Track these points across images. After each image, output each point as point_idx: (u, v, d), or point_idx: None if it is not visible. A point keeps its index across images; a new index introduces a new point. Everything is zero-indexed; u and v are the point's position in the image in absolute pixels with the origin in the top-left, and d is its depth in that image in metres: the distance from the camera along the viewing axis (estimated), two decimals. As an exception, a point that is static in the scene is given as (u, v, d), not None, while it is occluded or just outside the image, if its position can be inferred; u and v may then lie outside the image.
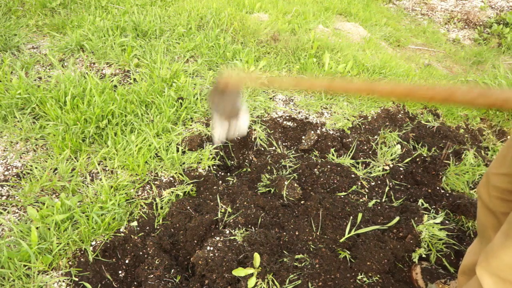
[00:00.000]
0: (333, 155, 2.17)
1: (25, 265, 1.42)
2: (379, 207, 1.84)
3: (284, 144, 2.28)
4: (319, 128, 2.36)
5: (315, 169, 2.00)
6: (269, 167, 2.00)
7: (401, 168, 2.13)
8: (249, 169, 2.04)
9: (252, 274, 1.41)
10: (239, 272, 1.41)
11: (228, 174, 2.05)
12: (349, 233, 1.61)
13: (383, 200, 1.91)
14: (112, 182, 1.79)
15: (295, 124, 2.39)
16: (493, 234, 1.16)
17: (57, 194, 1.74)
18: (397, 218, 1.68)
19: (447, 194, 1.94)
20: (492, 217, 1.18)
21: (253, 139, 2.22)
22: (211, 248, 1.50)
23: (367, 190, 1.95)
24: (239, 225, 1.64)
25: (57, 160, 1.86)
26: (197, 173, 1.91)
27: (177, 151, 2.01)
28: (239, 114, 1.43)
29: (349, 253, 1.57)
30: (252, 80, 1.24)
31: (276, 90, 2.66)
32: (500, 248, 0.95)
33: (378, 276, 1.53)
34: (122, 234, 1.61)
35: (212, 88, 1.37)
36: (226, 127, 1.41)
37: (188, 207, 1.71)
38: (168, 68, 2.56)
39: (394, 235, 1.66)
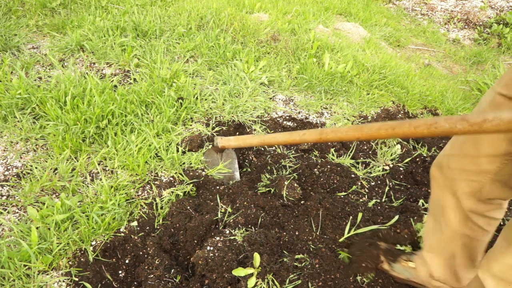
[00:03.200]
0: (333, 155, 2.17)
1: (25, 265, 1.42)
2: (379, 207, 1.84)
3: (284, 144, 2.28)
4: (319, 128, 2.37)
5: (315, 169, 2.00)
6: (269, 167, 2.00)
7: (401, 168, 2.13)
8: (249, 169, 2.04)
9: (252, 274, 1.41)
10: (239, 272, 1.41)
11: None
12: (348, 232, 1.61)
13: (383, 200, 1.91)
14: (112, 182, 1.79)
15: (295, 124, 2.39)
16: (453, 213, 1.23)
17: (57, 194, 1.74)
18: (396, 217, 1.68)
19: (447, 194, 1.94)
20: (451, 197, 1.23)
21: (253, 139, 2.22)
22: (211, 248, 1.50)
23: (367, 190, 1.95)
24: (239, 225, 1.64)
25: (57, 160, 1.86)
26: (197, 173, 1.91)
27: (177, 151, 2.01)
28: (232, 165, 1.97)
29: (347, 252, 1.57)
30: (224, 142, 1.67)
31: (276, 90, 2.66)
32: (502, 253, 1.00)
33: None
34: (122, 234, 1.61)
35: (210, 150, 1.96)
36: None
37: (188, 207, 1.71)
38: (168, 68, 2.56)
39: (393, 235, 1.66)
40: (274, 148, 2.20)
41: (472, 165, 1.12)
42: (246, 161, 2.16)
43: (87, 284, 1.43)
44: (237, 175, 1.96)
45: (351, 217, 1.69)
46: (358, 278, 1.51)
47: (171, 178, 1.89)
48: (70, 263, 1.49)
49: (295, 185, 1.87)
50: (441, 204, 1.27)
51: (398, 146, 2.25)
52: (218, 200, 1.75)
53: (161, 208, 1.74)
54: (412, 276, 1.50)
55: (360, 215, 1.67)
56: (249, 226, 1.65)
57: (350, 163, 2.12)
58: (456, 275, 1.36)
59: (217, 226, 1.67)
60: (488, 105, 1.08)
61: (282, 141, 1.45)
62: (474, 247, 1.31)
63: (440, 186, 1.26)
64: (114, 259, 1.55)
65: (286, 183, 1.86)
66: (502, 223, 1.79)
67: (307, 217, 1.70)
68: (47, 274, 1.44)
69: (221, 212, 1.70)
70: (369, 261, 1.52)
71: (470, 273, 1.38)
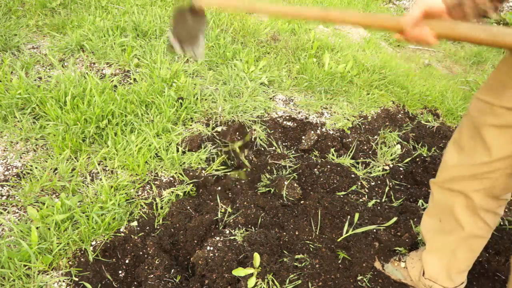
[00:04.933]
0: (333, 155, 2.17)
1: (25, 265, 1.42)
2: (378, 207, 1.84)
3: (284, 144, 2.28)
4: (319, 128, 2.36)
5: (315, 169, 2.00)
6: (269, 167, 2.00)
7: (401, 168, 2.13)
8: (249, 169, 2.04)
9: (252, 274, 1.41)
10: (239, 272, 1.41)
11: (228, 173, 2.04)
12: (346, 232, 1.61)
13: (383, 200, 1.91)
14: (112, 182, 1.79)
15: (295, 124, 2.39)
16: (462, 210, 1.23)
17: (57, 194, 1.74)
18: (395, 219, 1.68)
19: (447, 194, 1.94)
20: (462, 197, 1.23)
21: (253, 139, 2.22)
22: (211, 248, 1.50)
23: (367, 190, 1.95)
24: (239, 225, 1.64)
25: (57, 160, 1.86)
26: (197, 173, 1.91)
27: (177, 151, 2.01)
28: (200, 40, 1.44)
29: (345, 253, 1.57)
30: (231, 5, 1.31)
31: (276, 90, 2.66)
32: None
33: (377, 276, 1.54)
34: (122, 234, 1.61)
35: (180, 9, 1.36)
36: (182, 45, 1.43)
37: (188, 207, 1.71)
38: (168, 68, 2.56)
39: (392, 235, 1.66)
40: (274, 148, 2.20)
41: (485, 168, 1.12)
42: (246, 161, 2.16)
43: (87, 284, 1.43)
44: (202, 51, 1.48)
45: (349, 216, 1.69)
46: (359, 278, 1.51)
47: (171, 178, 1.89)
48: (70, 263, 1.49)
49: (295, 185, 1.87)
50: (449, 205, 1.25)
51: (398, 146, 2.25)
52: (218, 200, 1.75)
53: (161, 208, 1.74)
54: (402, 276, 1.50)
55: (357, 215, 1.67)
56: (249, 226, 1.65)
57: (350, 163, 2.12)
58: (450, 276, 1.36)
59: (217, 226, 1.67)
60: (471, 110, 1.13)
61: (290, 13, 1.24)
62: (477, 249, 1.31)
63: (446, 192, 1.25)
64: (114, 259, 1.55)
65: (286, 183, 1.86)
66: (501, 223, 1.79)
67: (306, 217, 1.70)
68: (47, 274, 1.44)
69: (221, 212, 1.70)
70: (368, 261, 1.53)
71: (463, 275, 1.38)
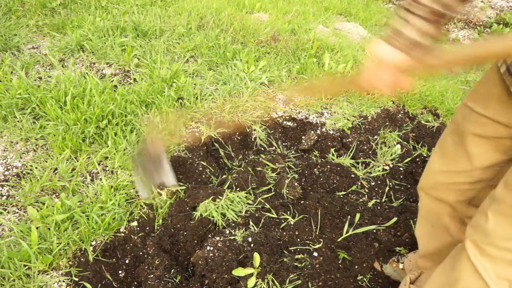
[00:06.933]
0: (333, 155, 2.17)
1: (25, 265, 1.42)
2: (378, 207, 1.84)
3: (284, 144, 2.28)
4: (319, 128, 2.36)
5: (315, 169, 2.00)
6: (269, 167, 2.00)
7: (401, 168, 2.13)
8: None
9: (252, 274, 1.41)
10: (239, 272, 1.41)
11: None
12: (346, 232, 1.61)
13: (383, 200, 1.91)
14: (112, 182, 1.79)
15: (295, 124, 2.39)
16: (450, 220, 1.21)
17: (57, 194, 1.74)
18: (395, 219, 1.68)
19: (447, 194, 1.94)
20: (447, 206, 1.21)
21: (253, 139, 2.22)
22: (211, 248, 1.50)
23: (367, 190, 1.95)
24: (239, 225, 1.64)
25: (57, 160, 1.86)
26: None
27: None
28: (165, 171, 1.63)
29: (346, 253, 1.57)
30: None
31: (276, 90, 2.66)
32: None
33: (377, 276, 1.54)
34: (122, 234, 1.61)
35: (139, 153, 1.54)
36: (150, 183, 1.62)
37: (187, 208, 1.71)
38: (168, 68, 2.56)
39: (392, 236, 1.66)
40: (274, 148, 2.20)
41: (466, 178, 1.10)
42: (246, 160, 2.16)
43: (87, 284, 1.43)
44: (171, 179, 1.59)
45: (349, 216, 1.69)
46: (359, 278, 1.51)
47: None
48: (70, 263, 1.49)
49: (295, 184, 1.87)
50: (437, 212, 1.25)
51: (398, 146, 2.25)
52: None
53: (161, 208, 1.74)
54: (401, 278, 1.50)
55: (357, 215, 1.67)
56: (249, 226, 1.65)
57: (350, 163, 2.12)
58: None
59: (217, 226, 1.67)
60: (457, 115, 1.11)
61: None
62: None
63: (432, 199, 1.24)
64: (114, 259, 1.55)
65: (286, 182, 1.86)
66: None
67: (306, 216, 1.70)
68: (47, 274, 1.44)
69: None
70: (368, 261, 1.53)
71: None
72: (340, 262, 1.53)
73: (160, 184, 1.65)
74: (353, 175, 2.00)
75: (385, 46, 0.92)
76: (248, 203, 1.75)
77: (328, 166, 2.00)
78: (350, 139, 2.27)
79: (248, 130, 2.26)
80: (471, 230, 0.98)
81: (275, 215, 1.71)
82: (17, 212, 1.65)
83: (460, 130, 1.08)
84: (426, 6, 0.84)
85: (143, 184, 1.55)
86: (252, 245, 1.53)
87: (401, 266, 1.52)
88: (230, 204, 1.69)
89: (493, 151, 1.03)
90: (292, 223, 1.67)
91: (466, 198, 1.14)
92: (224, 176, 1.93)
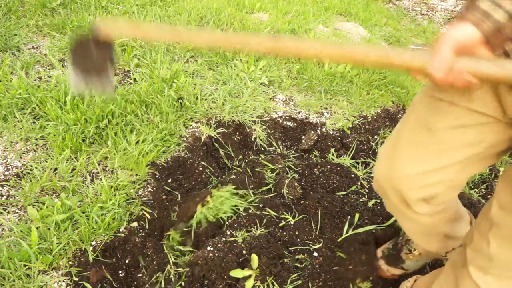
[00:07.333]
0: (333, 155, 2.17)
1: (25, 265, 1.42)
2: (378, 207, 1.84)
3: (284, 144, 2.28)
4: (319, 128, 2.36)
5: (315, 169, 2.00)
6: (269, 167, 2.00)
7: (401, 168, 2.13)
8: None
9: (250, 276, 1.41)
10: (237, 273, 1.40)
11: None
12: (346, 232, 1.61)
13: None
14: (112, 182, 1.79)
15: (295, 124, 2.39)
16: (409, 214, 1.14)
17: (57, 194, 1.74)
18: (394, 218, 1.68)
19: (447, 194, 1.94)
20: (404, 205, 1.15)
21: (253, 139, 2.22)
22: (211, 248, 1.50)
23: (367, 190, 1.95)
24: (240, 226, 1.64)
25: (57, 160, 1.86)
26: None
27: (177, 151, 2.01)
28: (109, 72, 1.29)
29: (346, 253, 1.57)
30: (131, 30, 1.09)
31: (276, 90, 2.66)
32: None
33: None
34: (122, 235, 1.61)
35: (80, 41, 1.21)
36: (87, 80, 1.27)
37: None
38: (168, 68, 2.56)
39: (392, 235, 1.66)
40: (274, 148, 2.20)
41: (427, 179, 1.04)
42: (246, 160, 2.16)
43: (87, 284, 1.43)
44: (111, 84, 1.31)
45: (349, 216, 1.69)
46: (359, 277, 1.51)
47: (171, 178, 1.89)
48: (70, 263, 1.49)
49: (295, 184, 1.87)
50: (397, 208, 1.19)
51: (398, 146, 2.25)
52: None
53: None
54: (428, 258, 1.47)
55: (357, 215, 1.67)
56: (250, 226, 1.65)
57: (350, 163, 2.12)
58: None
59: (217, 227, 1.67)
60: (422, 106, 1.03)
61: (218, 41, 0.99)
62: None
63: (389, 196, 1.17)
64: (114, 259, 1.55)
65: (286, 181, 1.86)
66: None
67: (306, 217, 1.70)
68: (47, 274, 1.44)
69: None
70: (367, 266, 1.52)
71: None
72: (340, 262, 1.53)
73: (96, 89, 1.31)
74: (353, 175, 2.00)
75: (469, 27, 0.76)
76: (246, 200, 1.75)
77: (328, 166, 2.00)
78: (350, 139, 2.27)
79: (248, 130, 2.26)
80: (473, 254, 0.96)
81: (275, 215, 1.71)
82: (17, 212, 1.65)
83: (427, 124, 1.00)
84: None
85: (77, 81, 1.26)
86: (252, 245, 1.53)
87: (416, 252, 1.48)
88: (221, 203, 1.68)
89: (459, 148, 0.97)
90: (292, 223, 1.67)
91: (423, 197, 1.08)
92: (224, 176, 1.93)
